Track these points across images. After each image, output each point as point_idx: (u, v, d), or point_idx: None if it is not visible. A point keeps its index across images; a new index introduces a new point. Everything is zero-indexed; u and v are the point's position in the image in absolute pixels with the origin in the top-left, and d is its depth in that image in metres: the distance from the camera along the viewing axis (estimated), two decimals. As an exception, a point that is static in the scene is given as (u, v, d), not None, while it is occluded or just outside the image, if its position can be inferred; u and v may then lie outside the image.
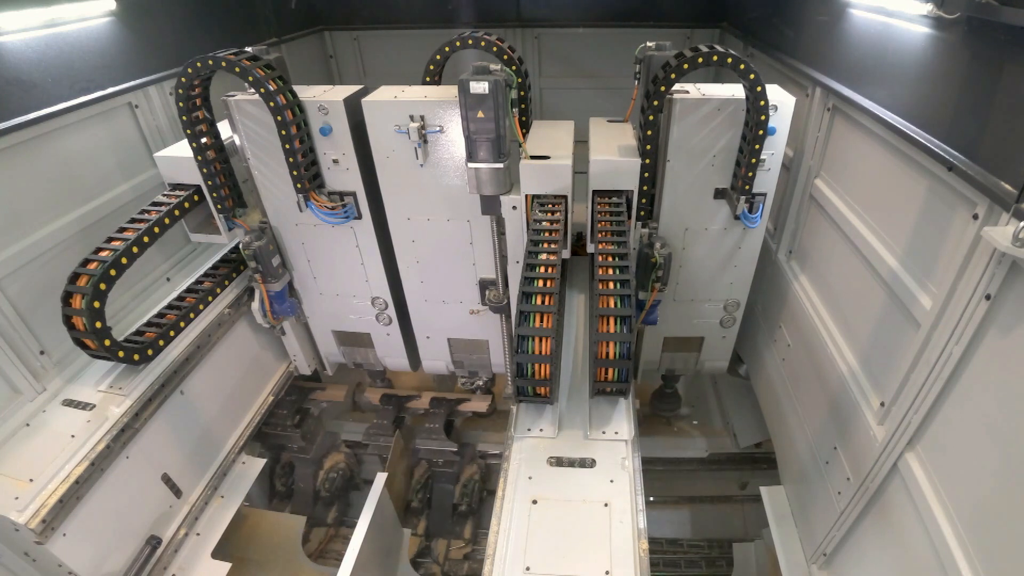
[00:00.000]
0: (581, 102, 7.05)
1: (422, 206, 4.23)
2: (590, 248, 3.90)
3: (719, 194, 4.04)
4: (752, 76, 3.33)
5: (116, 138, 4.32)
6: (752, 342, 5.46)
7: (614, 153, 3.91)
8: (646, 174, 3.97)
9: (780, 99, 3.64)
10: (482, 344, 5.13)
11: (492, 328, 4.95)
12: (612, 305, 3.04)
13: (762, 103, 3.39)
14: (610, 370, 3.11)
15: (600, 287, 3.13)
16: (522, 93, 4.11)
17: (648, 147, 3.87)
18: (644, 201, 4.14)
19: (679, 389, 6.41)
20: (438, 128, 3.81)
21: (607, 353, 3.02)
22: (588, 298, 4.52)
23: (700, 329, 4.90)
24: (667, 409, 6.39)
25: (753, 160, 3.61)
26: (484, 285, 4.60)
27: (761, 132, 3.48)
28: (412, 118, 3.77)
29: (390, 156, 4.00)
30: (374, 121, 3.86)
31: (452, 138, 3.85)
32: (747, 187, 3.76)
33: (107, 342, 3.51)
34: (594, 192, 3.93)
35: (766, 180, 3.91)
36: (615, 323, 2.99)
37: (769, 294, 5.03)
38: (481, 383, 5.48)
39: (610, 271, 3.26)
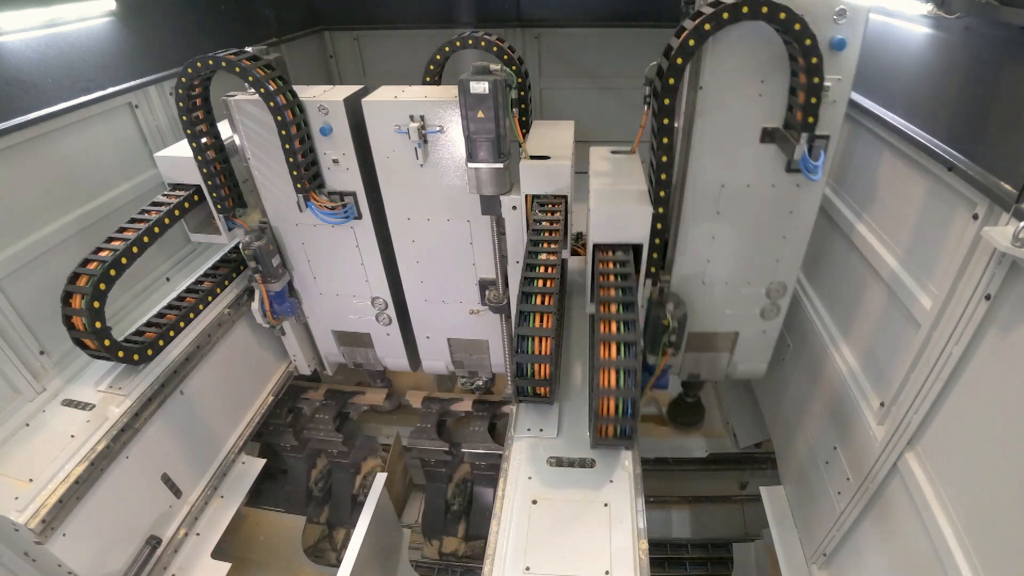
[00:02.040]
0: (581, 102, 7.05)
1: (422, 206, 4.24)
2: (589, 309, 3.39)
3: (768, 136, 3.17)
4: (798, 26, 2.61)
5: (116, 138, 4.32)
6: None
7: (619, 199, 3.36)
8: (659, 224, 3.34)
9: (846, 2, 2.75)
10: (482, 344, 5.12)
11: (492, 328, 4.95)
12: (613, 386, 2.72)
13: (809, 43, 2.65)
14: (610, 426, 2.86)
15: (601, 370, 2.72)
16: (522, 93, 4.11)
17: (662, 193, 3.25)
18: (656, 256, 3.48)
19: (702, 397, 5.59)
20: (438, 128, 3.81)
21: (608, 410, 2.79)
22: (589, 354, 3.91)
23: (734, 322, 4.03)
24: (688, 421, 5.46)
25: (816, 79, 2.73)
26: (484, 285, 4.60)
27: (817, 79, 2.74)
28: (412, 118, 3.76)
29: (390, 156, 4.00)
30: (374, 121, 3.86)
31: (452, 138, 3.85)
32: (811, 119, 2.83)
33: (107, 342, 3.51)
34: (595, 246, 3.35)
35: (830, 118, 2.99)
36: (616, 405, 2.76)
37: (769, 294, 5.01)
38: (481, 383, 5.48)
39: (612, 354, 2.75)
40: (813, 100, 2.80)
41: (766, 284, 3.79)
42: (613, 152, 3.92)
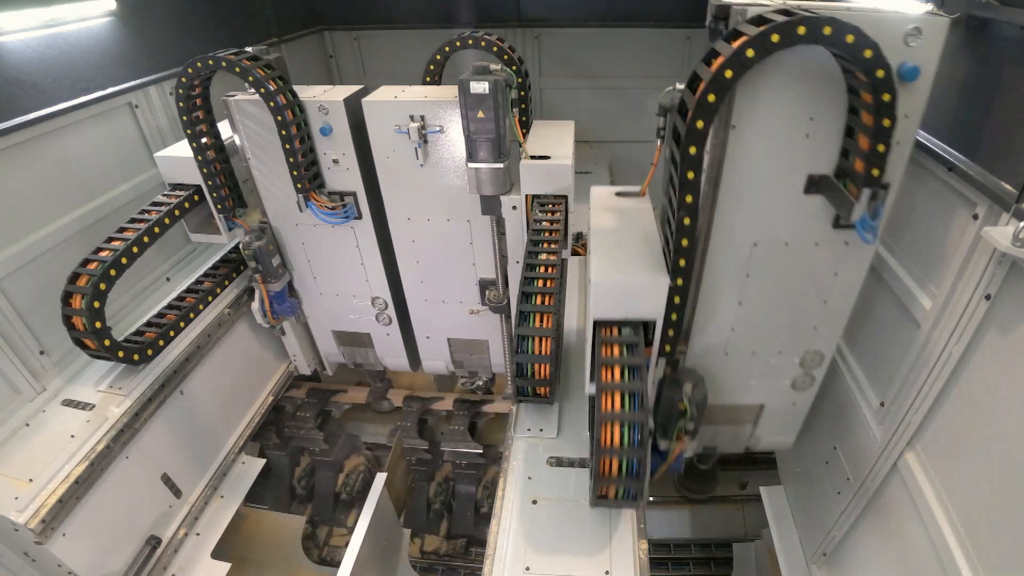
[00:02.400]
0: (581, 102, 7.05)
1: (422, 206, 4.24)
2: (589, 389, 2.88)
3: (815, 185, 2.57)
4: (869, 54, 2.01)
5: (116, 138, 4.32)
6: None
7: (627, 267, 2.72)
8: (677, 298, 2.70)
9: (918, 15, 2.22)
10: (482, 344, 5.13)
11: (492, 328, 4.95)
12: (617, 444, 2.40)
13: (881, 74, 2.05)
14: (612, 487, 2.56)
15: (603, 425, 2.42)
16: (522, 93, 4.11)
17: (682, 262, 2.57)
18: (672, 333, 2.86)
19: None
20: (438, 128, 3.81)
21: (610, 470, 2.47)
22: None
23: (760, 394, 3.46)
24: (699, 490, 4.93)
25: (887, 122, 2.15)
26: (484, 285, 4.60)
27: (887, 121, 2.15)
28: (412, 118, 3.77)
29: (390, 156, 4.00)
30: (374, 121, 3.87)
31: (452, 138, 3.85)
32: (876, 171, 2.27)
33: (107, 342, 3.51)
34: (596, 323, 2.74)
35: (892, 163, 2.39)
36: (619, 466, 2.47)
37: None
38: (481, 383, 5.49)
39: (616, 406, 2.42)
40: (881, 148, 2.20)
41: (800, 353, 3.22)
42: (619, 194, 3.37)
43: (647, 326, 2.76)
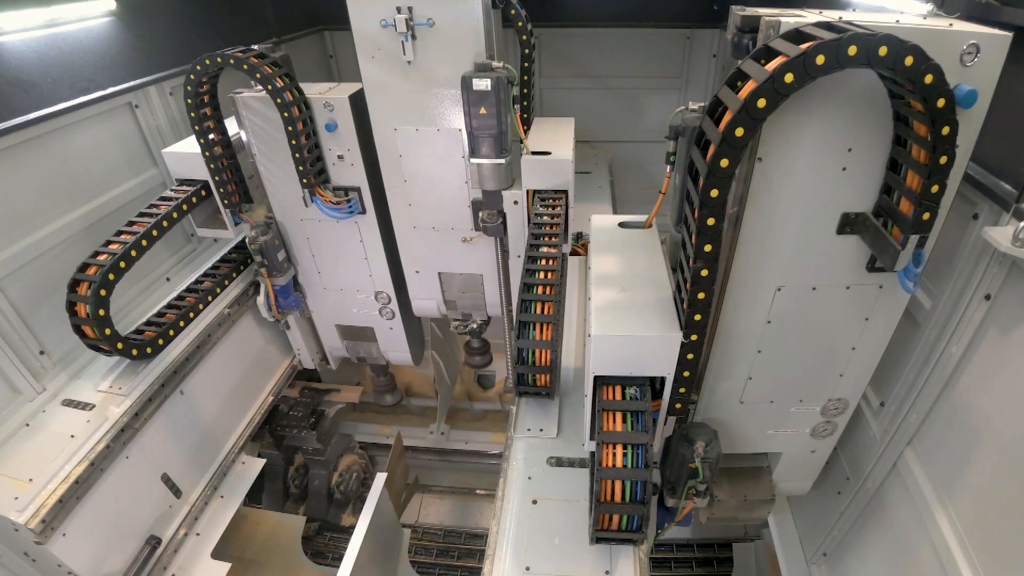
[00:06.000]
0: (580, 102, 7.06)
1: (410, 114, 3.85)
2: (588, 446, 2.75)
3: (849, 225, 2.31)
4: (930, 78, 1.70)
5: (116, 138, 4.32)
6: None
7: (633, 319, 2.44)
8: (690, 355, 2.45)
9: (976, 30, 1.94)
10: (476, 279, 4.66)
11: (487, 261, 4.52)
12: (620, 465, 2.34)
13: (942, 103, 1.75)
14: (615, 516, 2.42)
15: (605, 446, 2.37)
16: (525, 90, 4.13)
17: (697, 316, 2.29)
18: (684, 391, 2.62)
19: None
20: (428, 21, 3.43)
21: (611, 495, 2.35)
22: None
23: (777, 443, 3.25)
24: None
25: (945, 159, 1.86)
26: (477, 207, 4.12)
27: (945, 158, 1.85)
28: (399, 10, 3.37)
29: (376, 56, 3.61)
30: (358, 14, 3.49)
31: (443, 31, 3.48)
32: (927, 215, 1.99)
33: (107, 331, 3.49)
34: (596, 378, 2.52)
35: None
36: (623, 490, 2.37)
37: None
38: (475, 325, 5.01)
39: (618, 424, 2.36)
40: (935, 189, 1.91)
41: (822, 402, 3.00)
42: (622, 225, 3.13)
43: (655, 378, 2.55)
